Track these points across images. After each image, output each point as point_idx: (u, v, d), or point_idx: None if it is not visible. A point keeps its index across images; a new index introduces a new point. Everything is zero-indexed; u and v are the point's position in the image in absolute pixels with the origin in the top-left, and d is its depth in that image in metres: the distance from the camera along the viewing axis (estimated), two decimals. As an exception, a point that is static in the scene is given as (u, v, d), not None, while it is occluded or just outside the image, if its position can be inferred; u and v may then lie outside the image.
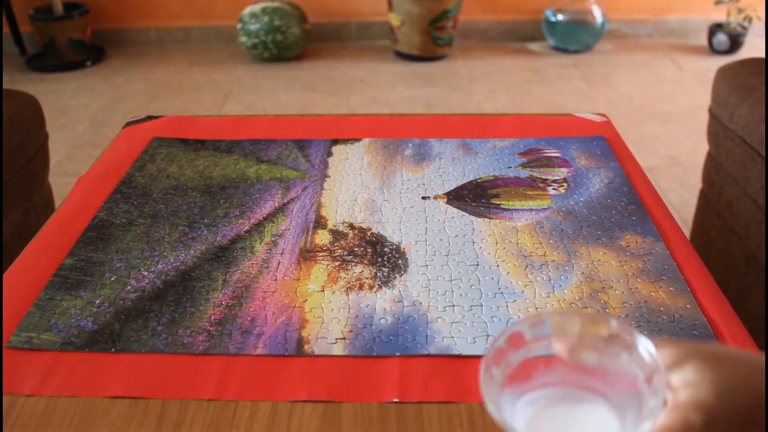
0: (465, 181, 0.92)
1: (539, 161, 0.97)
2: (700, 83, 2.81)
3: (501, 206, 0.86)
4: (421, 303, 0.70)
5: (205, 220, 0.84)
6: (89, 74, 3.00)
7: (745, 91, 1.27)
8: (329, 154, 1.00)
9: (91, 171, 0.96)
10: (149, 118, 1.11)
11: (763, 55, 1.48)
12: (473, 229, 0.82)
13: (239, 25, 2.96)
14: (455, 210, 0.86)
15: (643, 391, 0.41)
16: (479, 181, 0.92)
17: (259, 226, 0.83)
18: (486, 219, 0.84)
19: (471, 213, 0.85)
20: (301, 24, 2.96)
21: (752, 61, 1.37)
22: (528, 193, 0.89)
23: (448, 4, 2.91)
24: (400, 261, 0.76)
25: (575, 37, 3.15)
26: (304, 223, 0.84)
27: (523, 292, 0.71)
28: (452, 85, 2.84)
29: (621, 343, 0.43)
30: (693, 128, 2.39)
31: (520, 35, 3.33)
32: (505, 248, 0.78)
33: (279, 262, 0.76)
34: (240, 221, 0.84)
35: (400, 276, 0.74)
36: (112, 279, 0.73)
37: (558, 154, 0.98)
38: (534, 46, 3.27)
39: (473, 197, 0.88)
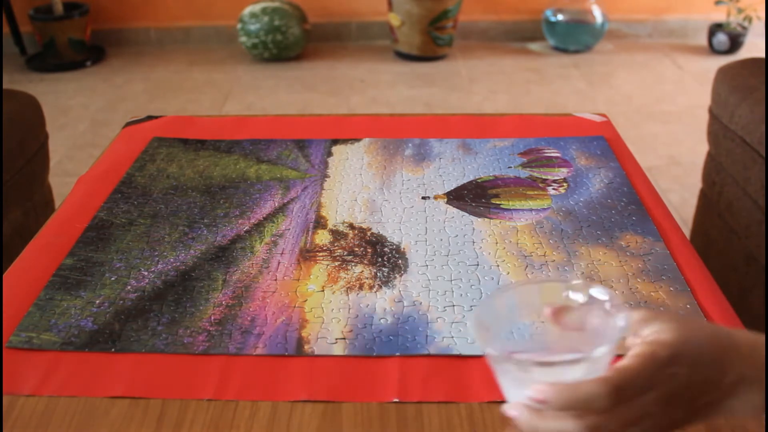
0: (465, 181, 0.92)
1: (539, 161, 0.97)
2: (700, 83, 2.81)
3: (501, 206, 0.86)
4: (421, 303, 0.70)
5: (205, 220, 0.84)
6: (89, 74, 3.00)
7: (745, 91, 1.27)
8: (329, 154, 1.00)
9: (91, 171, 0.96)
10: (149, 118, 1.11)
11: (763, 55, 1.48)
12: (473, 229, 0.82)
13: (239, 25, 2.96)
14: (455, 210, 0.86)
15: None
16: (479, 181, 0.92)
17: (259, 226, 0.83)
18: (486, 219, 0.84)
19: (471, 213, 0.85)
20: (301, 24, 2.96)
21: (752, 61, 1.37)
22: (528, 193, 0.89)
23: (448, 4, 2.91)
24: (400, 261, 0.76)
25: (575, 37, 3.15)
26: (304, 223, 0.84)
27: (523, 292, 0.71)
28: (452, 85, 2.84)
29: (597, 304, 0.47)
30: (693, 128, 2.39)
31: (520, 35, 3.33)
32: (505, 248, 0.78)
33: (279, 262, 0.76)
34: (240, 221, 0.84)
35: (400, 276, 0.74)
36: (112, 279, 0.73)
37: (558, 154, 0.98)
38: (534, 46, 3.27)
39: (473, 197, 0.88)
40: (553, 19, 3.15)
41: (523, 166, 0.96)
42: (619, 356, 0.44)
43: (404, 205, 0.87)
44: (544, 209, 0.86)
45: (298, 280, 0.74)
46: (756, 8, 3.05)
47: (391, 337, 0.65)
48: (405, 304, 0.70)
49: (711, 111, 1.39)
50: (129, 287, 0.72)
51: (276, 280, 0.73)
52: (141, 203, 0.87)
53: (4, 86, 1.39)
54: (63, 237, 0.81)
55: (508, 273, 0.74)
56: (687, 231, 1.58)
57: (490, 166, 0.96)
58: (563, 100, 2.70)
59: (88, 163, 1.90)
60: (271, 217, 0.85)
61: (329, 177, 0.94)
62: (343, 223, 0.84)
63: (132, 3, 3.24)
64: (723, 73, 1.37)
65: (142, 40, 3.30)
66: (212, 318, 0.68)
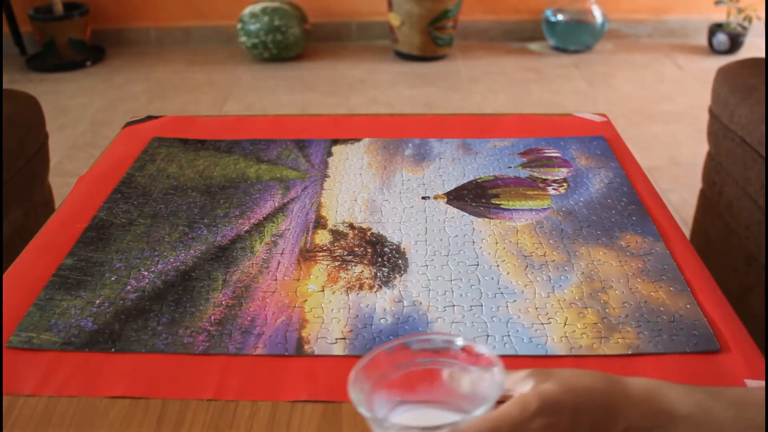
0: (465, 181, 0.92)
1: (539, 161, 0.97)
2: (700, 83, 2.81)
3: (501, 206, 0.86)
4: (421, 303, 0.70)
5: (205, 220, 0.84)
6: (89, 74, 3.00)
7: (745, 91, 1.27)
8: (329, 154, 1.00)
9: (91, 171, 0.96)
10: (149, 118, 1.11)
11: (763, 55, 1.48)
12: (473, 229, 0.82)
13: (239, 25, 2.96)
14: (455, 210, 0.86)
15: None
16: (479, 181, 0.92)
17: (259, 226, 0.83)
18: (486, 219, 0.84)
19: (471, 213, 0.85)
20: (301, 24, 2.96)
21: (752, 61, 1.37)
22: (528, 193, 0.89)
23: (448, 4, 2.91)
24: (400, 261, 0.76)
25: (575, 37, 3.15)
26: (304, 223, 0.84)
27: (523, 292, 0.71)
28: (452, 85, 2.84)
29: (471, 358, 0.48)
30: (693, 128, 2.39)
31: (520, 35, 3.33)
32: (505, 248, 0.78)
33: (279, 262, 0.76)
34: (240, 221, 0.84)
35: (400, 276, 0.74)
36: (112, 279, 0.73)
37: (558, 154, 0.98)
38: (534, 46, 3.27)
39: (473, 197, 0.88)
40: (553, 19, 3.15)
41: (523, 166, 0.96)
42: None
43: (404, 205, 0.87)
44: (544, 209, 0.86)
45: (298, 280, 0.74)
46: (756, 8, 3.05)
47: (391, 337, 0.65)
48: (405, 304, 0.70)
49: (711, 111, 1.39)
50: (129, 287, 0.72)
51: (276, 280, 0.73)
52: (141, 203, 0.87)
53: (4, 86, 1.39)
54: (63, 237, 0.81)
55: (508, 273, 0.74)
56: (687, 231, 1.58)
57: (490, 166, 0.96)
58: (563, 100, 2.70)
59: (88, 163, 1.90)
60: (271, 217, 0.85)
61: (329, 177, 0.94)
62: (343, 223, 0.84)
63: (132, 3, 3.24)
64: (723, 73, 1.37)
65: (142, 40, 3.30)
66: (212, 318, 0.68)
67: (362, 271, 0.75)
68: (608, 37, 3.30)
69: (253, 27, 2.92)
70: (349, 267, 0.75)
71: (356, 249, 0.78)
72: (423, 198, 0.88)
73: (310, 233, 0.81)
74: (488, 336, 0.65)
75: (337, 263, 0.76)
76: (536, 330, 0.66)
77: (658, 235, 0.80)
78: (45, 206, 1.41)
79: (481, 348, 0.48)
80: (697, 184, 1.52)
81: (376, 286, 0.72)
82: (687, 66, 3.02)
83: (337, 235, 0.81)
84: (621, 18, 3.33)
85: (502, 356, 0.63)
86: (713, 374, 0.61)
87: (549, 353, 0.63)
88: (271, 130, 1.07)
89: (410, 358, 0.49)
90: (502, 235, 0.80)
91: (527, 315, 0.68)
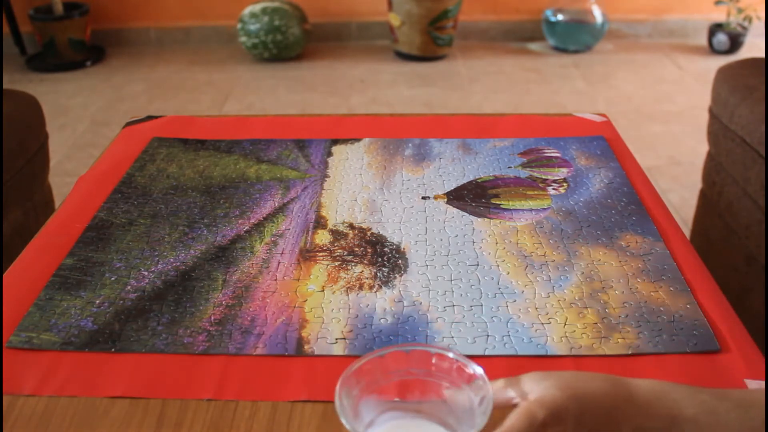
0: (465, 181, 0.92)
1: (539, 161, 0.97)
2: (700, 83, 2.81)
3: (501, 206, 0.86)
4: (421, 303, 0.70)
5: (205, 220, 0.84)
6: (89, 74, 3.00)
7: (745, 91, 1.27)
8: (329, 154, 1.00)
9: (91, 171, 0.96)
10: (149, 118, 1.11)
11: (763, 55, 1.48)
12: (473, 229, 0.82)
13: (239, 25, 2.96)
14: (455, 210, 0.86)
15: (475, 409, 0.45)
16: (479, 181, 0.92)
17: (259, 226, 0.83)
18: (486, 219, 0.84)
19: (471, 213, 0.85)
20: (301, 24, 2.96)
21: (752, 61, 1.37)
22: (528, 193, 0.89)
23: (448, 4, 2.91)
24: (400, 261, 0.76)
25: (575, 37, 3.15)
26: (304, 223, 0.84)
27: (523, 292, 0.71)
28: (452, 85, 2.84)
29: (464, 375, 0.47)
30: (693, 128, 2.39)
31: (520, 35, 3.33)
32: (505, 248, 0.78)
33: (279, 262, 0.76)
34: (240, 221, 0.84)
35: (400, 276, 0.74)
36: (112, 279, 0.73)
37: (558, 154, 0.98)
38: (534, 46, 3.27)
39: (473, 197, 0.88)
40: (553, 19, 3.15)
41: (523, 166, 0.96)
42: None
43: (404, 205, 0.87)
44: (544, 209, 0.86)
45: (298, 280, 0.74)
46: (756, 8, 3.05)
47: (391, 337, 0.65)
48: (405, 304, 0.70)
49: (711, 111, 1.39)
50: (129, 287, 0.72)
51: (276, 280, 0.73)
52: (141, 203, 0.87)
53: (4, 86, 1.39)
54: (63, 237, 0.81)
55: (508, 273, 0.74)
56: (687, 231, 1.58)
57: (490, 166, 0.96)
58: (563, 100, 2.70)
59: (88, 163, 1.90)
60: (271, 217, 0.85)
61: (329, 177, 0.94)
62: (343, 223, 0.84)
63: (132, 3, 3.24)
64: (723, 73, 1.37)
65: (142, 40, 3.30)
66: (212, 318, 0.68)
67: (362, 271, 0.75)
68: (608, 37, 3.30)
69: (253, 27, 2.92)
70: (349, 267, 0.75)
71: (356, 249, 0.78)
72: (423, 198, 0.88)
73: (310, 233, 0.81)
74: (488, 336, 0.65)
75: (337, 263, 0.76)
76: (536, 330, 0.66)
77: (658, 235, 0.80)
78: (45, 206, 1.41)
79: (476, 369, 0.47)
80: (697, 184, 1.52)
81: (376, 286, 0.72)
82: (687, 66, 3.02)
83: (337, 235, 0.81)
84: (621, 18, 3.33)
85: (502, 356, 0.63)
86: (713, 374, 0.61)
87: (549, 353, 0.63)
88: (271, 130, 1.07)
89: (404, 366, 0.49)
90: (502, 235, 0.80)
91: (527, 315, 0.68)
